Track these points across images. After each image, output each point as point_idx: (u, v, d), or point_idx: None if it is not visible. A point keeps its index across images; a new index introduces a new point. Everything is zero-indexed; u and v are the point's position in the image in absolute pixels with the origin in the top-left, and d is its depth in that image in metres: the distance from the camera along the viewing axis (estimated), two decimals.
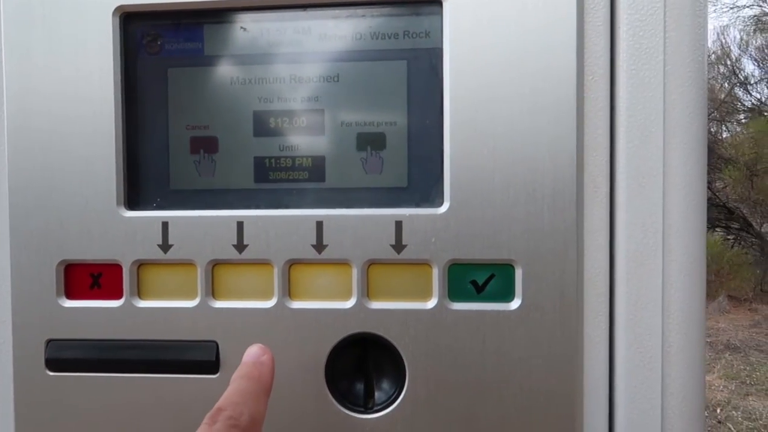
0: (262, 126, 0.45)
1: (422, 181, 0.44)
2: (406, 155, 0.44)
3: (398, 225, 0.43)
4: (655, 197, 0.42)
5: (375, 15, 0.44)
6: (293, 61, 0.45)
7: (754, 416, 3.30)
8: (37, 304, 0.46)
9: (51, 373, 0.46)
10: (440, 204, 0.43)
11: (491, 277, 0.43)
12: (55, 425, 0.46)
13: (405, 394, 0.43)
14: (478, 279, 0.43)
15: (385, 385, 0.44)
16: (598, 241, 0.43)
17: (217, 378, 0.44)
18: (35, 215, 0.45)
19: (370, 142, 0.44)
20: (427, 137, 0.44)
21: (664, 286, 0.42)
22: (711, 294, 5.32)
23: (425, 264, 0.43)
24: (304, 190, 0.45)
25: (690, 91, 0.43)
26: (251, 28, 0.46)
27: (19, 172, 0.46)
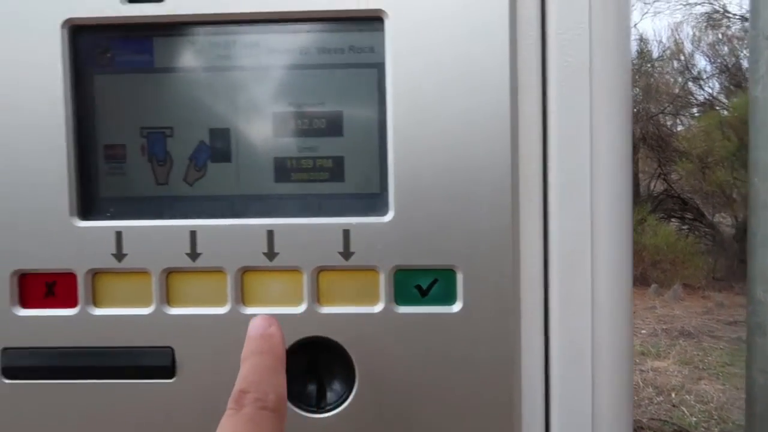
0: (218, 134, 0.47)
1: (367, 190, 0.46)
2: (352, 165, 0.46)
3: (346, 233, 0.45)
4: (584, 203, 0.46)
5: (321, 30, 0.46)
6: (241, 73, 0.46)
7: (706, 399, 3.45)
8: None
9: (7, 381, 0.46)
10: (385, 213, 0.45)
11: (434, 281, 0.45)
12: None
13: (355, 394, 0.45)
14: (423, 283, 0.45)
15: (336, 386, 0.46)
16: (533, 246, 0.46)
17: (174, 383, 0.46)
18: None
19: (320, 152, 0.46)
20: (371, 149, 0.46)
21: (593, 286, 0.46)
22: (666, 283, 5.53)
23: (372, 270, 0.45)
24: (254, 196, 0.47)
25: (615, 101, 0.46)
26: (200, 42, 0.47)
27: None
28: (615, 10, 0.46)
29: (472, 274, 0.44)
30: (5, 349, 0.46)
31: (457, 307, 0.45)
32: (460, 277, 0.45)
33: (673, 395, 3.54)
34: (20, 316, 0.46)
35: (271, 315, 0.45)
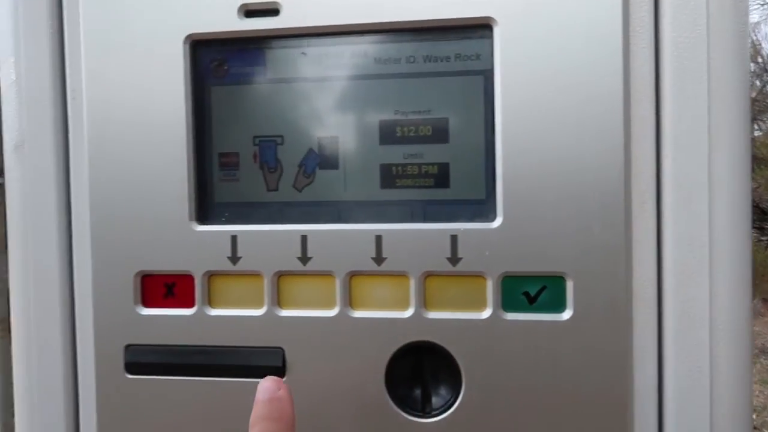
0: (327, 142, 0.48)
1: (473, 196, 0.46)
2: (458, 172, 0.47)
3: (453, 239, 0.45)
4: (701, 210, 0.44)
5: (427, 39, 0.47)
6: (349, 83, 0.48)
7: None
8: (117, 312, 0.49)
9: (129, 376, 0.49)
10: (493, 219, 0.45)
11: (543, 288, 0.45)
12: (133, 424, 0.49)
13: (461, 400, 0.45)
14: (531, 290, 0.45)
15: (442, 391, 0.47)
16: (646, 254, 0.45)
17: (284, 382, 0.47)
18: (114, 230, 0.49)
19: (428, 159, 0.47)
20: (477, 155, 0.46)
21: (711, 298, 0.44)
22: None
23: (480, 276, 0.45)
24: (360, 202, 0.48)
25: (734, 106, 0.44)
26: (310, 53, 0.49)
27: (99, 190, 0.49)
28: (732, 9, 0.45)
29: (582, 281, 0.44)
30: (128, 346, 0.49)
31: (567, 314, 0.44)
32: (570, 285, 0.44)
33: (754, 416, 3.33)
34: (142, 315, 0.49)
35: (379, 318, 0.46)
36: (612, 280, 0.43)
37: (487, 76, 0.46)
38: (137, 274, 0.49)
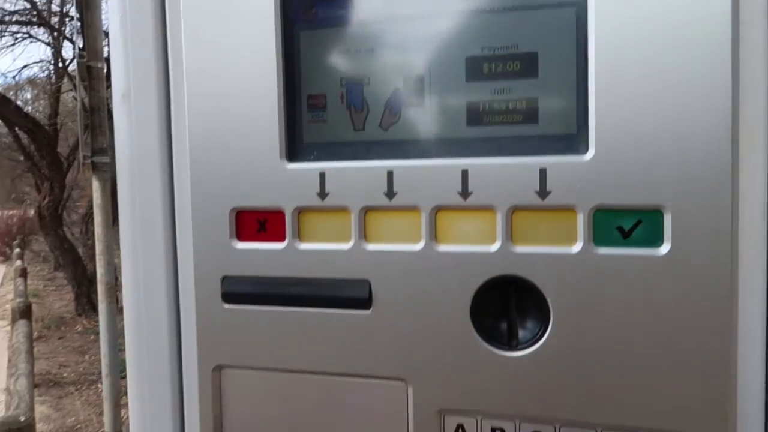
0: (412, 81, 0.49)
1: (563, 131, 0.45)
2: (547, 106, 0.46)
3: (542, 172, 0.44)
4: None
5: None
6: (435, 21, 0.48)
7: None
8: (214, 246, 0.52)
9: (226, 306, 0.52)
10: (585, 151, 0.44)
11: (638, 222, 0.43)
12: (228, 350, 0.52)
13: (549, 335, 0.45)
14: (625, 225, 0.43)
15: (529, 325, 0.46)
16: (756, 186, 0.42)
17: (370, 314, 0.48)
18: (211, 170, 0.52)
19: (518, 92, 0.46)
20: (568, 88, 0.45)
21: None
22: None
23: (570, 209, 0.44)
24: (446, 139, 0.48)
25: None
26: None
27: (197, 134, 0.52)
28: None
29: (683, 214, 0.41)
30: (224, 277, 0.52)
31: (664, 249, 0.42)
32: (668, 218, 0.42)
33: None
34: (237, 249, 0.52)
35: (465, 252, 0.46)
36: (716, 213, 0.41)
37: (580, 7, 0.44)
38: (232, 210, 0.52)
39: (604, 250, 0.44)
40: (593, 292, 0.44)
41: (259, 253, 0.51)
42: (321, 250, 0.50)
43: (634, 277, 0.43)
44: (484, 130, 0.47)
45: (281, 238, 0.51)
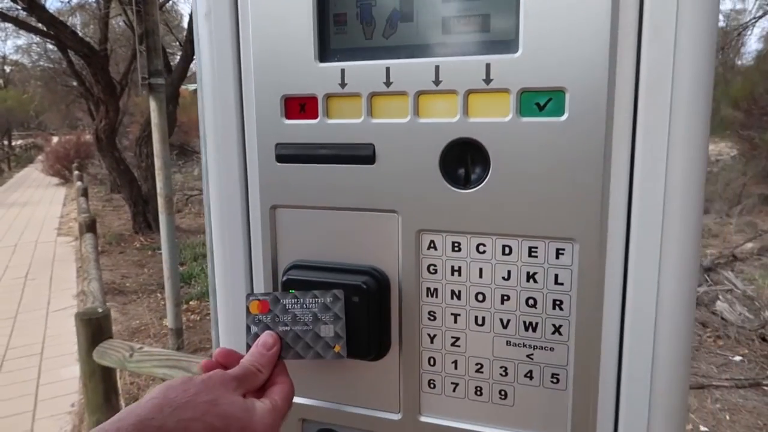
0: (406, 5, 0.69)
1: (505, 37, 0.66)
2: (497, 19, 0.66)
3: (488, 66, 0.66)
4: (668, 44, 0.60)
5: None
6: None
7: None
8: (270, 122, 0.76)
9: (279, 164, 0.77)
10: (516, 51, 0.64)
11: (549, 99, 0.64)
12: (280, 194, 0.78)
13: (489, 178, 0.67)
14: (540, 101, 0.65)
15: (478, 171, 0.69)
16: (626, 74, 0.62)
17: (374, 167, 0.72)
18: (269, 68, 0.75)
19: None
20: (511, 7, 0.65)
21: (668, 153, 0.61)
22: None
23: (505, 92, 0.66)
24: (429, 44, 0.69)
25: None
26: None
27: (259, 44, 0.75)
28: None
29: (576, 93, 0.63)
30: (277, 144, 0.77)
31: (564, 117, 0.64)
32: (567, 96, 0.63)
33: None
34: (285, 124, 0.76)
35: (435, 122, 0.68)
36: (597, 92, 0.62)
37: None
38: (282, 96, 0.75)
39: (527, 119, 0.65)
40: (519, 147, 0.66)
41: (300, 127, 0.75)
42: (341, 123, 0.73)
43: (546, 136, 0.65)
44: (452, 37, 0.68)
45: (315, 116, 0.74)
